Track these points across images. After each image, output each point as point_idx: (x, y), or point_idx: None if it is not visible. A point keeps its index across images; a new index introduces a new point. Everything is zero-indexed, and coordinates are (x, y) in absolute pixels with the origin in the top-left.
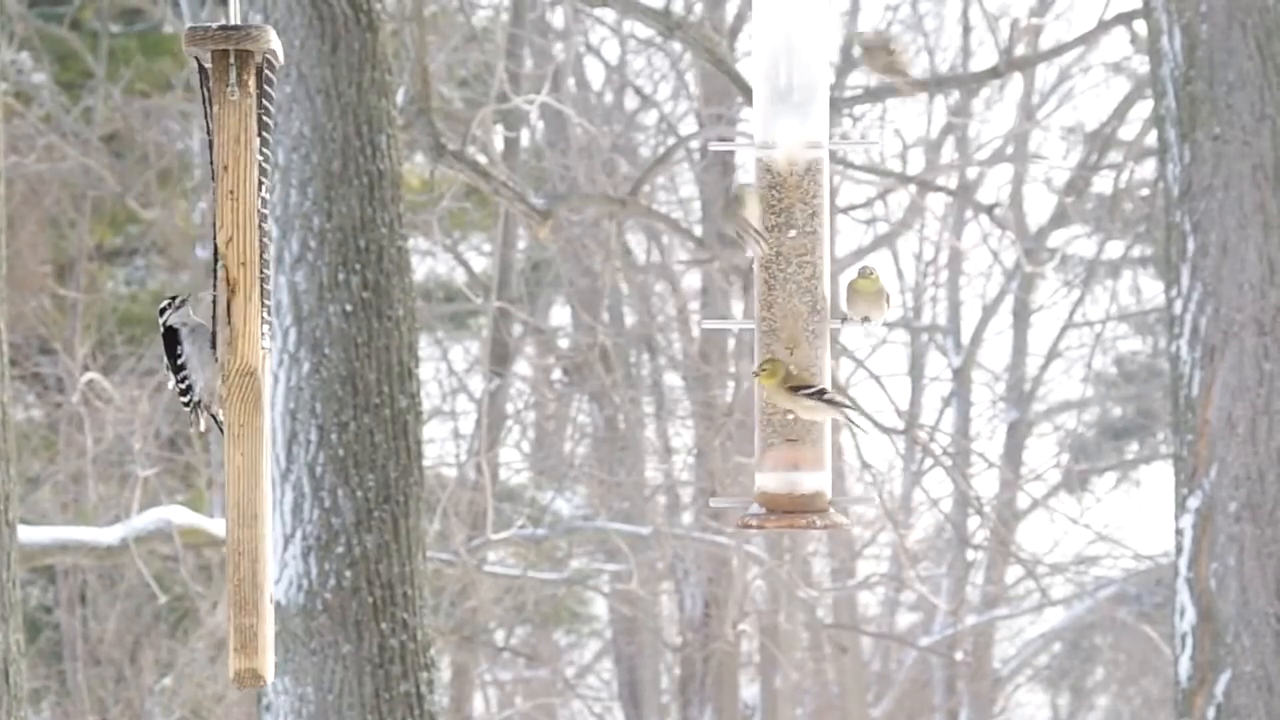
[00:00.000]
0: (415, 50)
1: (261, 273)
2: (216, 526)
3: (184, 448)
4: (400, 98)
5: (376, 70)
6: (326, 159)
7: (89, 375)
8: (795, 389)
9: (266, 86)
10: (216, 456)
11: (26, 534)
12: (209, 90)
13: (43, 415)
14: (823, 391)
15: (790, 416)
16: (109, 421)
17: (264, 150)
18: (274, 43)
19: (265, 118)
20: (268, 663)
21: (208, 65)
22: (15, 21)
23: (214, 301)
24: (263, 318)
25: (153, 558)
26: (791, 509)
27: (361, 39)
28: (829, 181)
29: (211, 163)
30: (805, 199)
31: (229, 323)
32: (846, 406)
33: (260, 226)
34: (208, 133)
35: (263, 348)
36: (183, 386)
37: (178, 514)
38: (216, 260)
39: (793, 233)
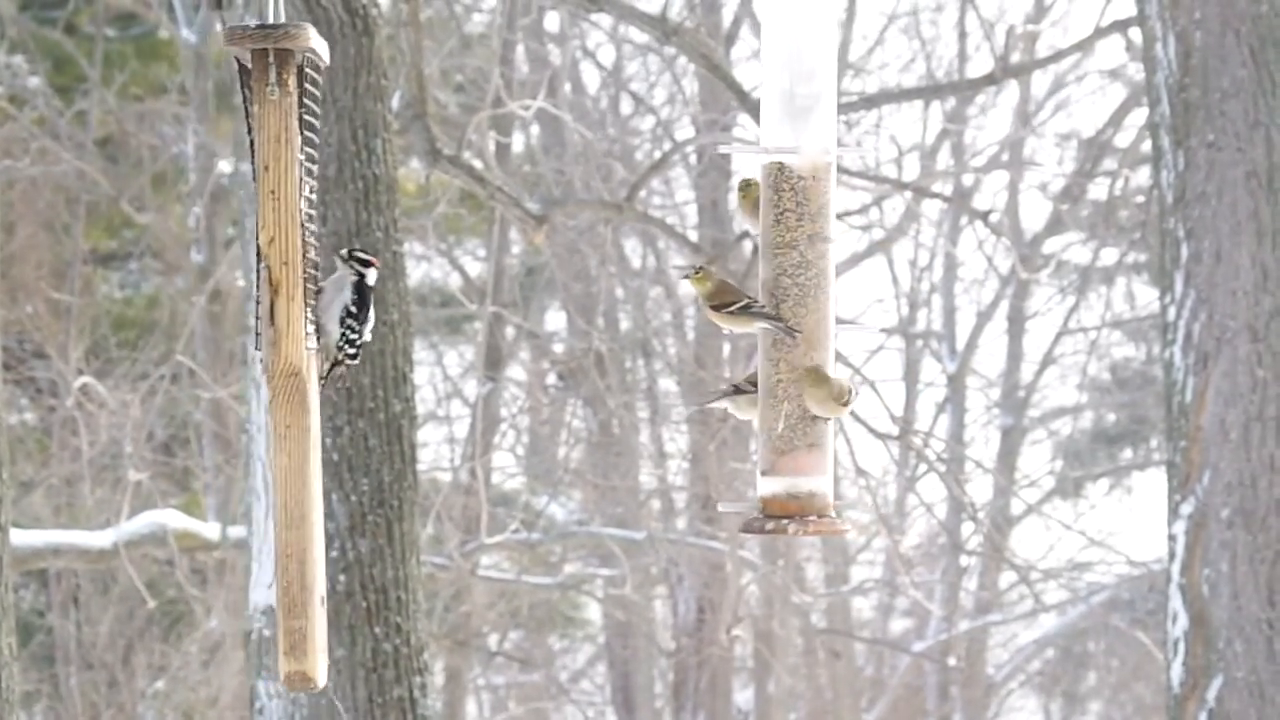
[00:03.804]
0: (411, 55)
1: (305, 272)
2: (210, 530)
3: (177, 451)
4: (395, 102)
5: (372, 75)
6: (322, 163)
7: (83, 379)
8: (719, 307)
9: (310, 86)
10: (211, 460)
11: (20, 537)
12: (249, 90)
13: (37, 419)
14: (748, 305)
15: (794, 421)
16: (103, 425)
17: (307, 150)
18: (314, 41)
19: (309, 117)
20: (318, 665)
21: (249, 64)
22: (10, 25)
23: (256, 302)
24: (307, 317)
25: (148, 562)
26: (792, 513)
27: (357, 43)
28: (833, 186)
29: (253, 162)
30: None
31: (272, 323)
32: (773, 318)
33: (304, 226)
34: (249, 132)
35: (307, 348)
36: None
37: (172, 518)
38: (259, 261)
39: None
